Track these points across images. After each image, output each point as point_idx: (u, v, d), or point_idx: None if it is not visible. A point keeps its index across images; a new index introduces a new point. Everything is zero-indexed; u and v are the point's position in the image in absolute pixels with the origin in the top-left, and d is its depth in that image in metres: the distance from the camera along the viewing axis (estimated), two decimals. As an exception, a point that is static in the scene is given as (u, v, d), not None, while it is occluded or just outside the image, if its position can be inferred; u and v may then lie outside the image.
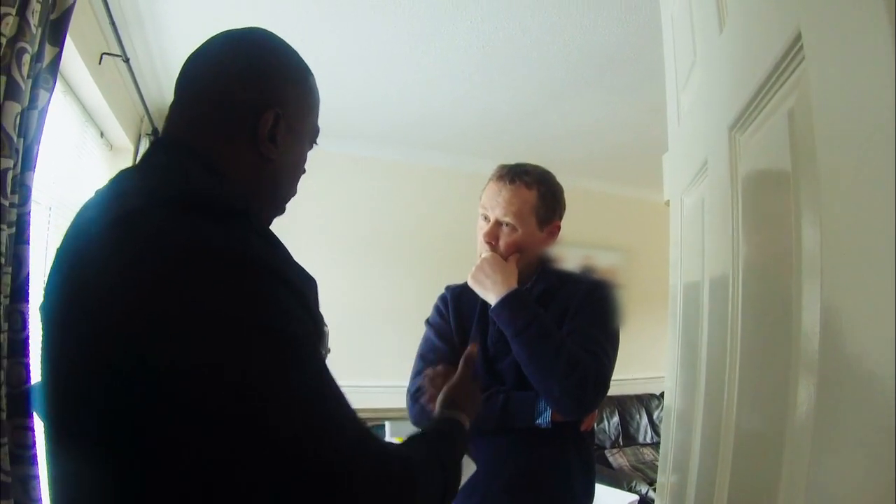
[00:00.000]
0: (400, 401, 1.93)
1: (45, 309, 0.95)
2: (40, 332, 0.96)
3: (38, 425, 1.79)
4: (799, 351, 0.92)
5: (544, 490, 1.88)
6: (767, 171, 1.14)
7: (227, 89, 1.08)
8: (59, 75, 2.02)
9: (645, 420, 6.77)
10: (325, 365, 0.93)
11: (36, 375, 1.80)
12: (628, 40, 3.59)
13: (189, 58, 1.13)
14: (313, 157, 1.26)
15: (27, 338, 1.83)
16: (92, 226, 0.92)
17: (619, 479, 5.41)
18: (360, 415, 0.93)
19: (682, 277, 1.80)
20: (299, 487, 0.82)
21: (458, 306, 2.10)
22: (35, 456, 1.84)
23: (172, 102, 1.12)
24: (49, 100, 1.95)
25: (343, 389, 0.92)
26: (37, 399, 1.16)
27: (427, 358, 2.03)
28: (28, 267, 1.86)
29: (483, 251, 1.99)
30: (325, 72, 3.87)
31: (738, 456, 1.20)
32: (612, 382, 1.85)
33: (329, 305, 1.00)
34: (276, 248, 0.96)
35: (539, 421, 1.82)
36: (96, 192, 1.01)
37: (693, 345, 1.58)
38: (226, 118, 1.07)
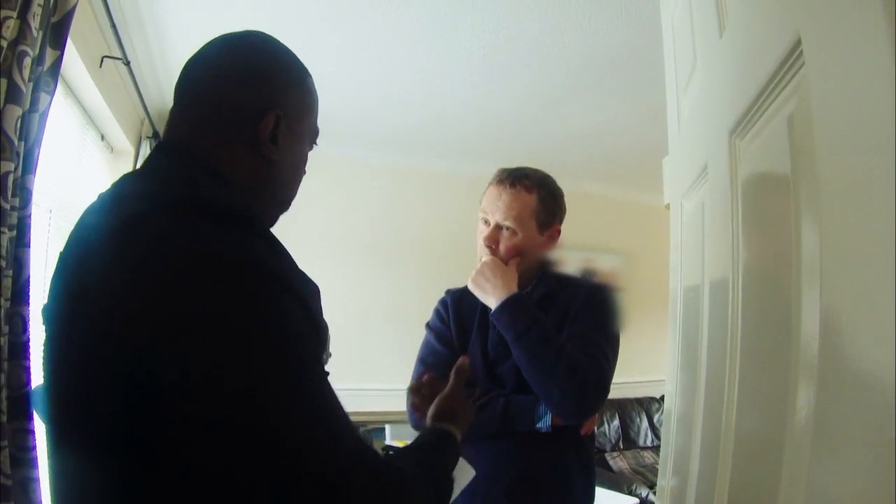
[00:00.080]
0: (400, 404, 1.93)
1: (48, 312, 0.95)
2: (43, 335, 0.96)
3: (39, 428, 1.79)
4: (799, 354, 0.92)
5: (544, 494, 1.88)
6: (767, 175, 1.14)
7: (226, 92, 1.08)
8: (59, 78, 2.02)
9: (645, 423, 6.77)
10: (325, 375, 0.93)
11: (37, 378, 1.80)
12: (629, 44, 3.59)
13: (188, 61, 1.13)
14: (313, 160, 1.26)
15: (28, 341, 1.83)
16: (94, 230, 0.92)
17: (619, 483, 5.40)
18: (361, 418, 0.94)
19: (683, 281, 1.80)
20: (297, 497, 0.82)
21: (458, 310, 2.10)
22: (35, 459, 1.84)
23: (173, 106, 1.13)
24: (50, 103, 1.96)
25: (339, 398, 0.93)
26: (38, 402, 1.16)
27: (427, 362, 2.03)
28: (29, 270, 1.86)
29: (483, 255, 1.98)
30: (325, 76, 3.87)
31: (738, 459, 1.20)
32: (612, 385, 1.84)
33: (330, 308, 1.00)
34: (280, 254, 0.96)
35: (539, 425, 1.82)
36: (98, 195, 1.01)
37: (693, 348, 1.58)
38: (226, 121, 1.07)
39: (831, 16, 0.83)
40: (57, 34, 1.97)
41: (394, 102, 4.75)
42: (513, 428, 1.85)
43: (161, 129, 4.39)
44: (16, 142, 1.73)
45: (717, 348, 1.37)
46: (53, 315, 0.94)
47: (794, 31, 0.91)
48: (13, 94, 1.71)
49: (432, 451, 1.26)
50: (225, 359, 0.80)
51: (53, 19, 1.95)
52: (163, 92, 4.46)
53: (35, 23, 1.79)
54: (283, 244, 0.98)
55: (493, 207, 1.96)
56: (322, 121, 1.24)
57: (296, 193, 1.23)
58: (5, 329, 1.75)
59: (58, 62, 1.98)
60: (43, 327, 0.97)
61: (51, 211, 3.07)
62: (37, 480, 1.83)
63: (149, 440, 0.80)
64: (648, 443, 6.65)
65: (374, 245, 5.89)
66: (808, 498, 0.85)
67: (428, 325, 2.16)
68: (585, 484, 1.98)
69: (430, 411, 1.46)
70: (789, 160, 0.98)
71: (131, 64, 3.61)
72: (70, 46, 2.26)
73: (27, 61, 1.76)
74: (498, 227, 1.96)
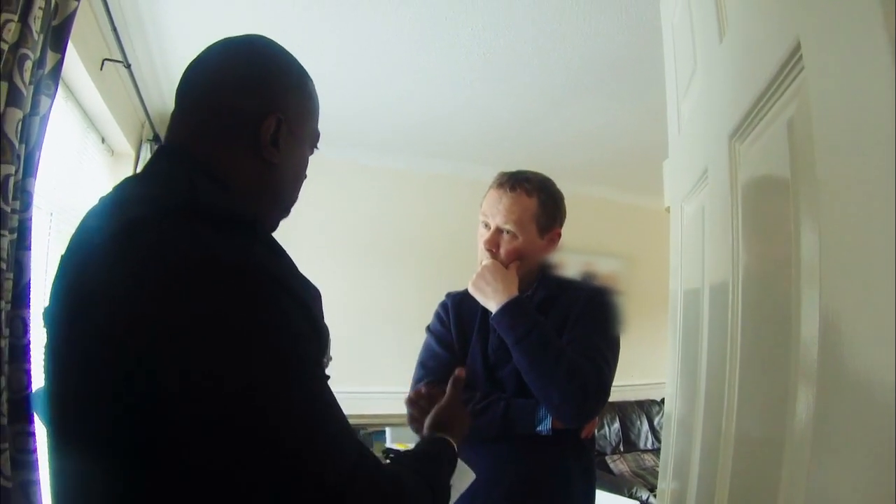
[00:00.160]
0: (401, 406, 1.93)
1: (49, 315, 0.95)
2: (44, 338, 0.96)
3: (40, 430, 1.79)
4: (798, 357, 0.92)
5: (545, 497, 1.88)
6: (767, 179, 1.14)
7: (227, 96, 1.08)
8: (60, 81, 2.02)
9: (646, 426, 6.76)
10: (325, 378, 0.93)
11: (37, 381, 1.80)
12: (629, 47, 3.59)
13: (189, 65, 1.13)
14: (314, 164, 1.26)
15: (28, 343, 1.84)
16: (96, 234, 0.92)
17: (619, 485, 5.40)
18: (362, 420, 0.94)
19: (683, 284, 1.80)
20: (296, 498, 0.83)
21: (458, 313, 2.10)
22: (36, 461, 1.84)
23: (174, 110, 1.13)
24: (51, 106, 1.96)
25: (339, 402, 0.93)
26: (40, 404, 1.16)
27: (428, 365, 2.03)
28: (29, 273, 1.87)
29: (484, 258, 1.99)
30: (326, 79, 3.88)
31: (738, 462, 1.20)
32: (612, 388, 1.85)
33: (330, 311, 1.00)
34: (281, 258, 0.96)
35: (540, 428, 1.82)
36: (100, 199, 1.01)
37: (693, 351, 1.58)
38: (227, 125, 1.07)
39: (831, 20, 0.83)
40: (58, 37, 1.97)
41: (394, 104, 4.75)
42: (513, 431, 1.85)
43: (162, 132, 4.39)
44: (17, 145, 1.74)
45: (717, 351, 1.37)
46: (54, 318, 0.94)
47: (794, 36, 0.92)
48: (14, 97, 1.72)
49: (430, 459, 1.26)
50: (225, 360, 0.80)
51: (54, 22, 1.95)
52: (163, 95, 4.46)
53: (36, 26, 1.79)
54: (284, 247, 0.99)
55: (494, 211, 1.96)
56: (322, 123, 1.25)
57: (297, 197, 1.23)
58: (6, 332, 1.75)
59: (59, 65, 1.98)
60: (44, 330, 0.97)
61: (51, 214, 3.07)
62: (37, 483, 1.84)
63: (149, 442, 0.81)
64: (649, 445, 6.64)
65: (375, 247, 5.89)
66: (808, 500, 0.85)
67: (428, 329, 2.16)
68: (586, 487, 1.98)
69: (427, 421, 1.46)
70: (789, 164, 0.98)
71: (132, 67, 3.61)
72: (71, 49, 2.27)
73: (28, 64, 1.76)
74: (498, 231, 1.96)
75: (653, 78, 3.27)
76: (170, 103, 1.14)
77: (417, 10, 3.29)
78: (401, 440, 4.68)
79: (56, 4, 1.95)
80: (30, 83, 1.79)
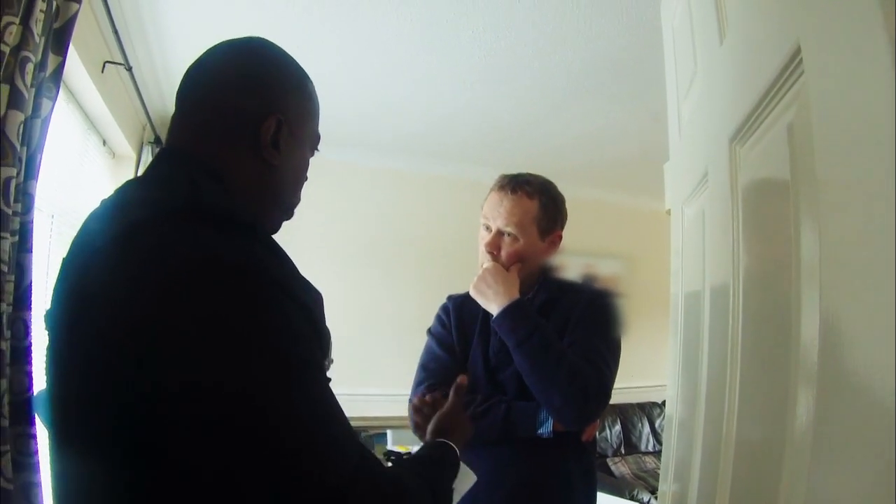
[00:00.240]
0: (401, 409, 1.93)
1: (51, 318, 0.96)
2: (46, 341, 0.97)
3: (41, 433, 1.79)
4: (799, 360, 0.92)
5: (546, 500, 1.88)
6: (767, 182, 1.14)
7: (228, 97, 1.08)
8: (61, 83, 2.02)
9: (647, 428, 6.75)
10: (326, 380, 0.93)
11: (39, 383, 1.80)
12: (630, 49, 3.59)
13: (190, 67, 1.13)
14: (315, 165, 1.26)
15: (30, 346, 1.84)
16: (97, 237, 0.92)
17: (621, 488, 5.39)
18: (363, 423, 0.94)
19: (684, 286, 1.80)
20: (296, 500, 0.83)
21: (459, 316, 2.10)
22: (37, 463, 1.84)
23: (174, 112, 1.13)
24: (52, 108, 1.96)
25: (340, 404, 0.93)
26: (41, 406, 1.16)
27: (429, 368, 2.03)
28: (31, 275, 1.87)
29: (485, 261, 1.99)
30: (326, 81, 3.88)
31: (739, 464, 1.20)
32: (613, 390, 1.84)
33: (331, 313, 1.00)
34: (282, 261, 0.96)
35: (541, 431, 1.82)
36: (101, 202, 1.01)
37: (694, 353, 1.59)
38: (228, 126, 1.07)
39: (831, 24, 0.83)
40: (59, 40, 1.97)
41: (395, 106, 4.75)
42: (514, 434, 1.85)
43: (163, 134, 4.40)
44: (18, 147, 1.74)
45: (718, 353, 1.37)
46: (56, 320, 0.94)
47: (794, 40, 0.92)
48: (15, 100, 1.72)
49: (431, 462, 1.27)
50: (225, 361, 0.80)
51: (55, 25, 1.95)
52: (164, 97, 4.46)
53: (37, 28, 1.80)
54: (285, 248, 0.99)
55: (495, 213, 1.96)
56: (322, 125, 1.25)
57: (299, 199, 1.23)
58: (7, 334, 1.75)
59: (60, 68, 1.98)
60: (45, 332, 0.97)
61: (53, 216, 3.07)
62: (38, 485, 1.84)
63: (151, 443, 0.81)
64: (650, 448, 6.63)
65: (375, 249, 5.89)
66: (809, 502, 0.85)
67: (429, 331, 2.16)
68: (587, 489, 1.98)
69: (430, 427, 1.47)
70: (789, 167, 0.99)
71: (133, 69, 3.61)
72: (72, 52, 2.27)
73: (29, 67, 1.77)
74: (499, 233, 1.96)
75: (653, 80, 3.27)
76: (171, 105, 1.14)
77: (418, 12, 3.29)
78: (402, 442, 4.69)
79: (57, 7, 1.95)
80: (31, 86, 1.80)
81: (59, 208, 3.11)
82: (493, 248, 1.97)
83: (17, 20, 1.72)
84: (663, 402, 6.35)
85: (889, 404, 0.65)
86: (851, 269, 0.77)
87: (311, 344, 0.91)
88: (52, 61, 1.95)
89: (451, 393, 1.55)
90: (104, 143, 4.02)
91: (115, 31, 3.18)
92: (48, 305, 0.97)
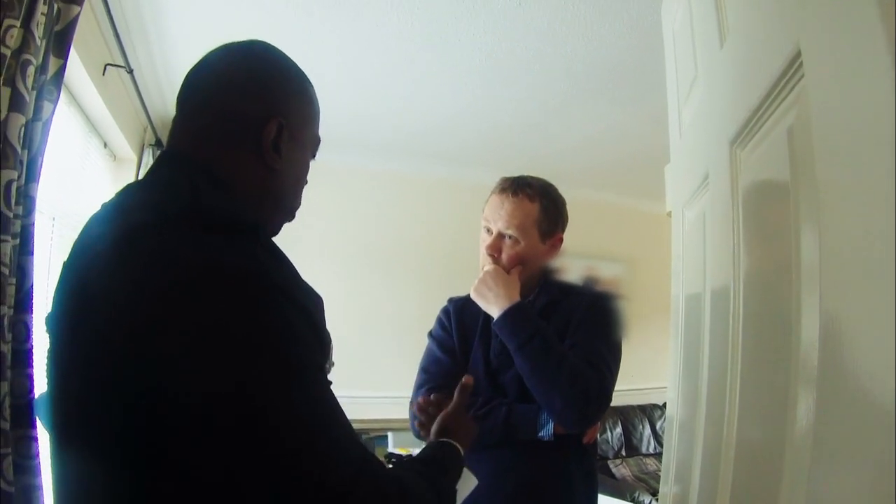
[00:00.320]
0: (402, 412, 1.93)
1: (52, 321, 0.96)
2: (47, 343, 0.97)
3: (43, 436, 1.79)
4: (799, 362, 0.92)
5: (547, 502, 1.88)
6: (768, 185, 1.14)
7: (229, 101, 1.08)
8: (62, 86, 2.02)
9: (648, 430, 6.74)
10: (327, 383, 0.93)
11: (40, 386, 1.80)
12: (630, 52, 3.59)
13: (191, 71, 1.14)
14: (315, 167, 1.26)
15: (31, 348, 1.84)
16: (98, 240, 0.93)
17: (622, 490, 5.39)
18: (364, 425, 0.94)
19: (684, 289, 1.80)
20: (298, 502, 0.83)
21: (460, 319, 2.10)
22: (39, 466, 1.84)
23: (175, 115, 1.13)
24: (53, 111, 1.96)
25: (342, 406, 0.93)
26: (42, 409, 1.16)
27: (430, 371, 2.03)
28: (32, 278, 1.87)
29: (486, 264, 1.99)
30: (327, 84, 3.90)
31: (740, 466, 1.20)
32: (614, 393, 1.84)
33: (331, 316, 1.00)
34: (283, 265, 0.96)
35: (541, 434, 1.82)
36: (102, 205, 1.01)
37: (695, 355, 1.59)
38: (229, 129, 1.07)
39: (831, 28, 0.83)
40: (60, 43, 1.97)
41: (395, 108, 4.75)
42: (515, 437, 1.85)
43: (164, 137, 4.40)
44: (19, 150, 1.74)
45: (719, 356, 1.37)
46: (57, 324, 0.95)
47: (795, 43, 0.92)
48: (16, 103, 1.72)
49: (435, 463, 1.26)
50: (226, 363, 0.80)
51: (56, 28, 1.96)
52: (165, 99, 4.46)
53: (38, 31, 1.80)
54: (285, 251, 0.99)
55: (496, 216, 1.96)
56: (323, 127, 1.25)
57: (299, 203, 1.23)
58: (9, 337, 1.75)
59: (61, 70, 1.98)
60: (46, 335, 0.98)
61: (54, 219, 3.07)
62: (39, 488, 1.84)
63: (152, 446, 0.81)
64: (651, 450, 6.63)
65: (376, 251, 5.88)
66: (809, 505, 0.85)
67: (430, 334, 2.16)
68: (588, 492, 1.98)
69: (434, 427, 1.46)
70: (789, 170, 0.99)
71: (134, 72, 3.62)
72: (73, 54, 2.27)
73: (30, 70, 1.77)
74: (500, 236, 1.96)
75: (654, 83, 3.27)
76: (172, 108, 1.13)
77: (419, 15, 3.29)
78: (403, 445, 4.68)
79: (58, 10, 1.95)
80: (32, 88, 1.80)
81: (60, 211, 3.11)
82: (494, 250, 1.97)
83: (18, 23, 1.73)
84: (664, 404, 6.33)
85: (889, 406, 0.65)
86: (851, 272, 0.77)
87: (311, 347, 0.91)
88: (53, 64, 1.95)
89: (456, 393, 1.55)
90: (105, 145, 4.03)
91: (117, 34, 3.18)
92: (49, 308, 0.97)
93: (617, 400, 1.92)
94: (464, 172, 6.06)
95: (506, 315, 1.87)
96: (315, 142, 1.23)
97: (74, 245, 0.98)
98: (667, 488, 1.88)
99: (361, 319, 5.56)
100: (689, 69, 1.71)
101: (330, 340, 0.99)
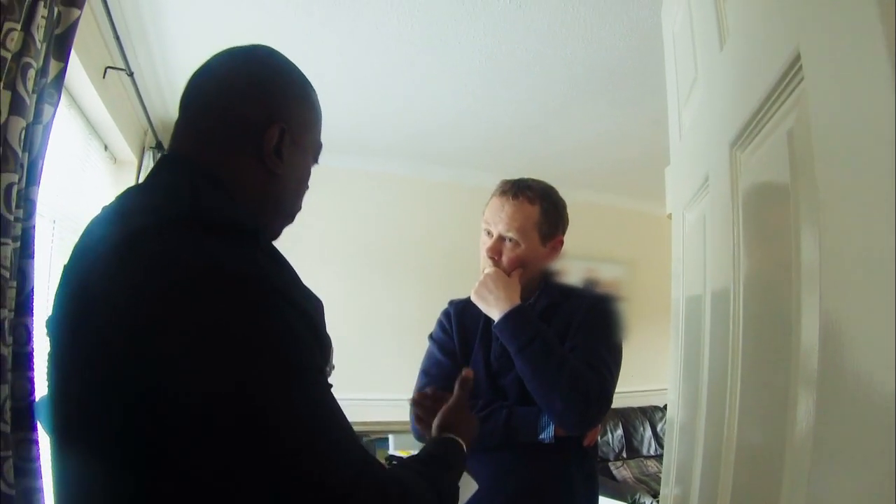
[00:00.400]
0: (403, 414, 1.93)
1: (52, 324, 0.96)
2: (47, 346, 0.97)
3: (43, 438, 1.79)
4: (799, 364, 0.92)
5: (547, 504, 1.88)
6: (768, 187, 1.14)
7: (231, 105, 1.08)
8: (63, 89, 2.02)
9: (648, 432, 6.74)
10: (328, 386, 0.93)
11: (41, 389, 1.80)
12: (630, 54, 3.59)
13: (193, 74, 1.14)
14: (316, 170, 1.27)
15: (32, 352, 1.84)
16: (98, 243, 0.93)
17: (622, 492, 5.39)
18: (364, 428, 0.94)
19: (685, 291, 1.80)
20: None
21: (461, 321, 2.10)
22: (39, 469, 1.84)
23: (177, 119, 1.13)
24: (54, 115, 1.96)
25: (342, 408, 0.93)
26: (42, 412, 1.17)
27: (430, 373, 2.03)
28: (33, 281, 1.87)
29: (486, 266, 1.99)
30: (327, 87, 3.89)
31: (740, 468, 1.20)
32: (615, 395, 1.84)
33: (332, 318, 1.00)
34: (283, 268, 0.97)
35: (542, 436, 1.82)
36: (102, 208, 1.01)
37: (695, 357, 1.59)
38: (231, 134, 1.07)
39: (831, 31, 0.83)
40: (60, 46, 1.97)
41: (395, 111, 4.76)
42: (516, 439, 1.85)
43: (164, 140, 4.41)
44: (20, 153, 1.74)
45: (719, 357, 1.37)
46: (58, 327, 0.95)
47: (794, 46, 0.92)
48: (17, 106, 1.72)
49: (437, 461, 1.26)
50: (226, 365, 0.80)
51: (57, 31, 1.95)
52: (166, 102, 4.47)
53: (39, 34, 1.80)
54: (285, 254, 0.99)
55: (496, 219, 1.96)
56: (324, 130, 1.25)
57: (300, 207, 1.23)
58: (9, 339, 1.75)
59: (61, 74, 1.98)
60: (47, 338, 0.98)
61: (54, 221, 3.08)
62: (40, 490, 1.84)
63: (152, 448, 0.81)
64: (652, 452, 6.62)
65: (377, 255, 5.89)
66: (809, 507, 0.85)
67: (431, 337, 2.15)
68: (588, 494, 1.98)
69: (435, 423, 1.46)
70: (789, 173, 0.99)
71: (134, 75, 3.62)
72: (74, 58, 2.27)
73: (31, 73, 1.77)
74: (501, 239, 1.96)
75: (654, 85, 3.27)
76: (172, 111, 1.14)
77: (419, 17, 3.30)
78: (404, 447, 4.68)
79: (58, 13, 1.95)
80: (33, 92, 1.80)
81: (60, 214, 3.12)
82: (495, 253, 1.97)
83: (19, 26, 1.73)
84: (665, 406, 6.34)
85: (889, 408, 0.65)
86: (851, 274, 0.77)
87: (311, 350, 0.91)
88: (53, 67, 1.95)
89: (457, 387, 1.54)
90: (106, 148, 4.03)
91: (117, 37, 3.19)
92: (50, 311, 0.98)
93: (617, 402, 1.92)
94: (464, 174, 6.07)
95: (506, 318, 1.87)
96: (317, 147, 1.23)
97: (75, 248, 0.98)
98: (667, 490, 1.88)
99: (362, 321, 5.57)
100: (689, 71, 1.71)
101: (330, 343, 1.00)
